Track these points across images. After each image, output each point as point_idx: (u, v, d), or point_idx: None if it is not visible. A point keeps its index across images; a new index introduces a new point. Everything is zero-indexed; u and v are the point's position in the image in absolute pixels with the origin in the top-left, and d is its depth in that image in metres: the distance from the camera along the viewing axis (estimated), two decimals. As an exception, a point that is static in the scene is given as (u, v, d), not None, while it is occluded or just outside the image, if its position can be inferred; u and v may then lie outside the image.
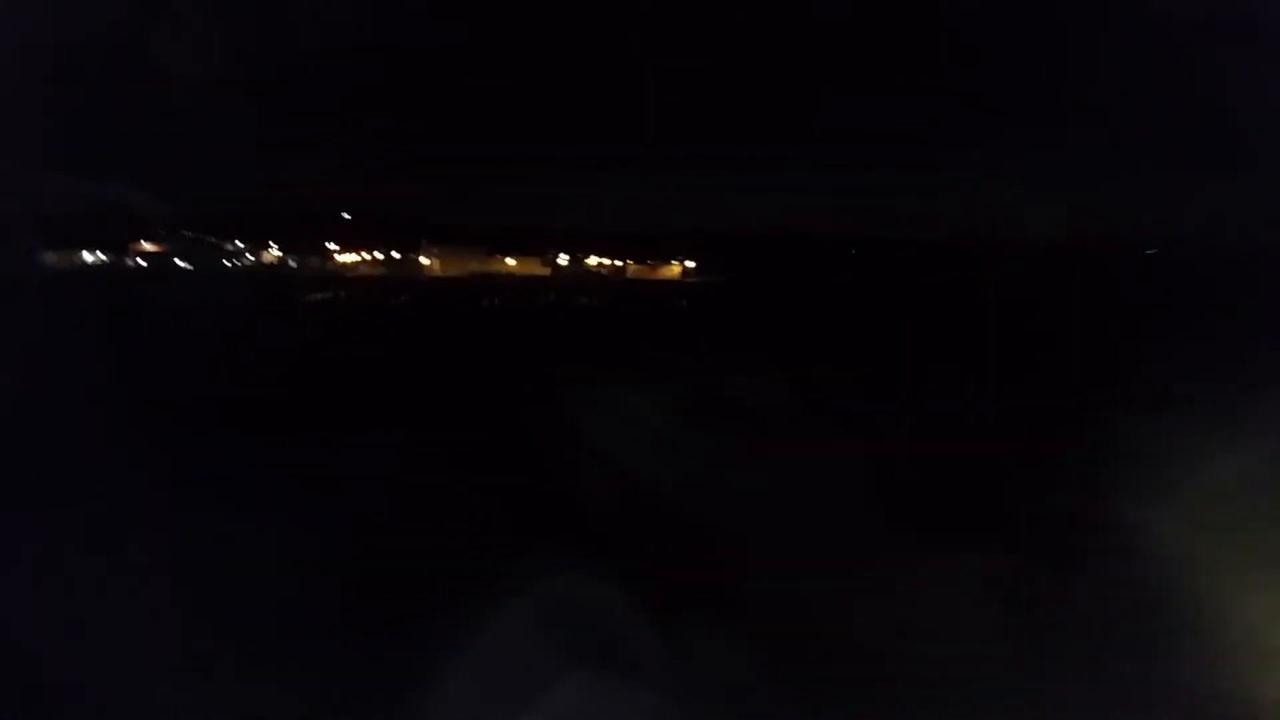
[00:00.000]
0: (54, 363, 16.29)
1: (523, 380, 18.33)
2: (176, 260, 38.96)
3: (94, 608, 7.56)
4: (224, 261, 40.35)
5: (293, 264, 42.28)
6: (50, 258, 36.60)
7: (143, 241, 39.75)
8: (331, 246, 42.23)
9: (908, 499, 10.38)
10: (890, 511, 9.87)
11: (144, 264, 38.87)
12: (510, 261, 45.11)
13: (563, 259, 46.48)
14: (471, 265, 44.10)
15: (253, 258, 42.13)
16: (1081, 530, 9.37)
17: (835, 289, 42.69)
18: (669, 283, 47.61)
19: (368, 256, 43.14)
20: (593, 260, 47.12)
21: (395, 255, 43.27)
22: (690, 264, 47.62)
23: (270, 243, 41.91)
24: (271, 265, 41.99)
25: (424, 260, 43.77)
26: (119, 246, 39.24)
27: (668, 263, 48.18)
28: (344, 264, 42.89)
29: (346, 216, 41.68)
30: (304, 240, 42.39)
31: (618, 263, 47.20)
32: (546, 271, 46.13)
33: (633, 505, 10.12)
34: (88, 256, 38.07)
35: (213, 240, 40.11)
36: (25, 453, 11.10)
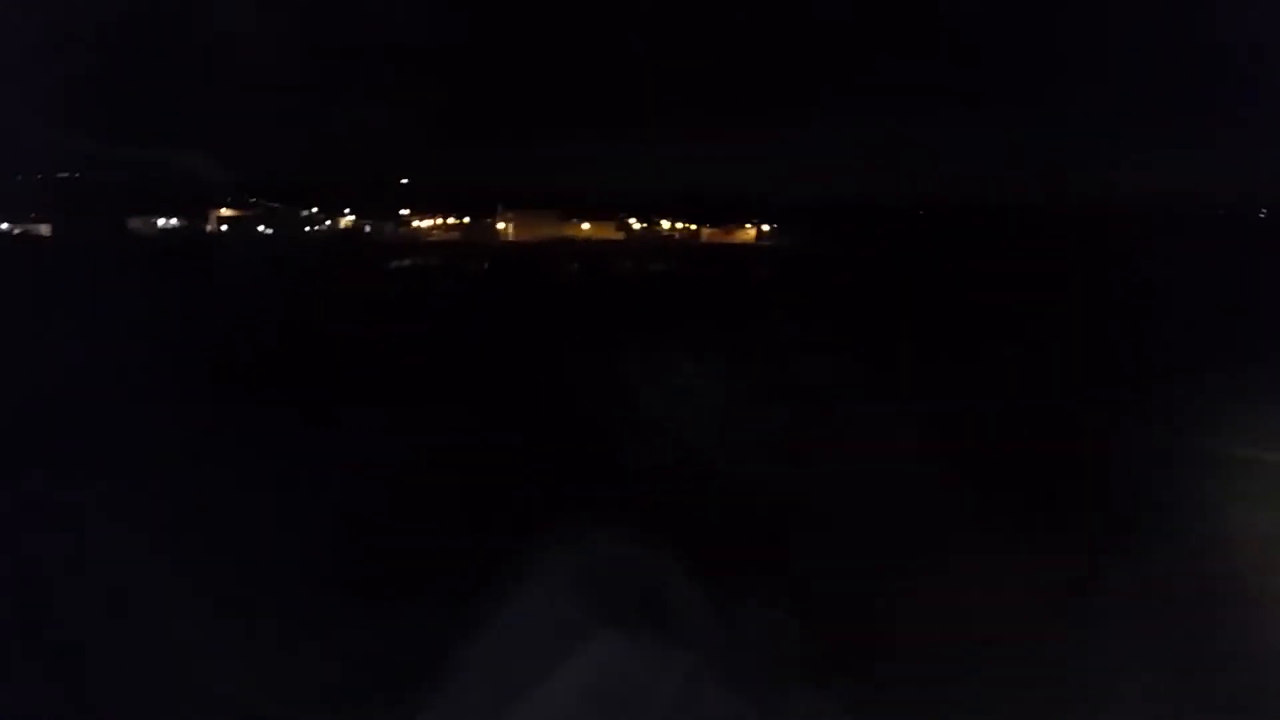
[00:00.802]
0: (140, 321, 16.76)
1: (596, 344, 17.97)
2: (259, 227, 39.31)
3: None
4: (303, 228, 40.61)
5: (369, 229, 42.40)
6: (135, 224, 37.06)
7: (222, 208, 40.08)
8: (408, 212, 42.29)
9: (972, 469, 10.13)
10: (957, 479, 9.59)
11: (226, 229, 39.19)
12: (585, 226, 45.09)
13: (636, 223, 46.10)
14: (546, 230, 43.74)
15: (329, 223, 42.35)
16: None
17: (907, 254, 41.82)
18: (743, 247, 46.89)
19: (444, 222, 43.49)
20: (666, 224, 46.58)
21: (471, 220, 43.69)
22: (765, 228, 46.90)
23: (347, 209, 42.10)
24: (348, 231, 42.25)
25: (499, 225, 43.93)
26: (198, 213, 39.61)
27: (742, 227, 47.45)
28: (421, 229, 42.95)
29: (404, 182, 41.52)
30: (381, 206, 42.39)
31: (691, 226, 46.60)
32: (620, 235, 45.65)
33: (702, 469, 9.98)
34: (167, 222, 38.43)
35: (289, 207, 40.27)
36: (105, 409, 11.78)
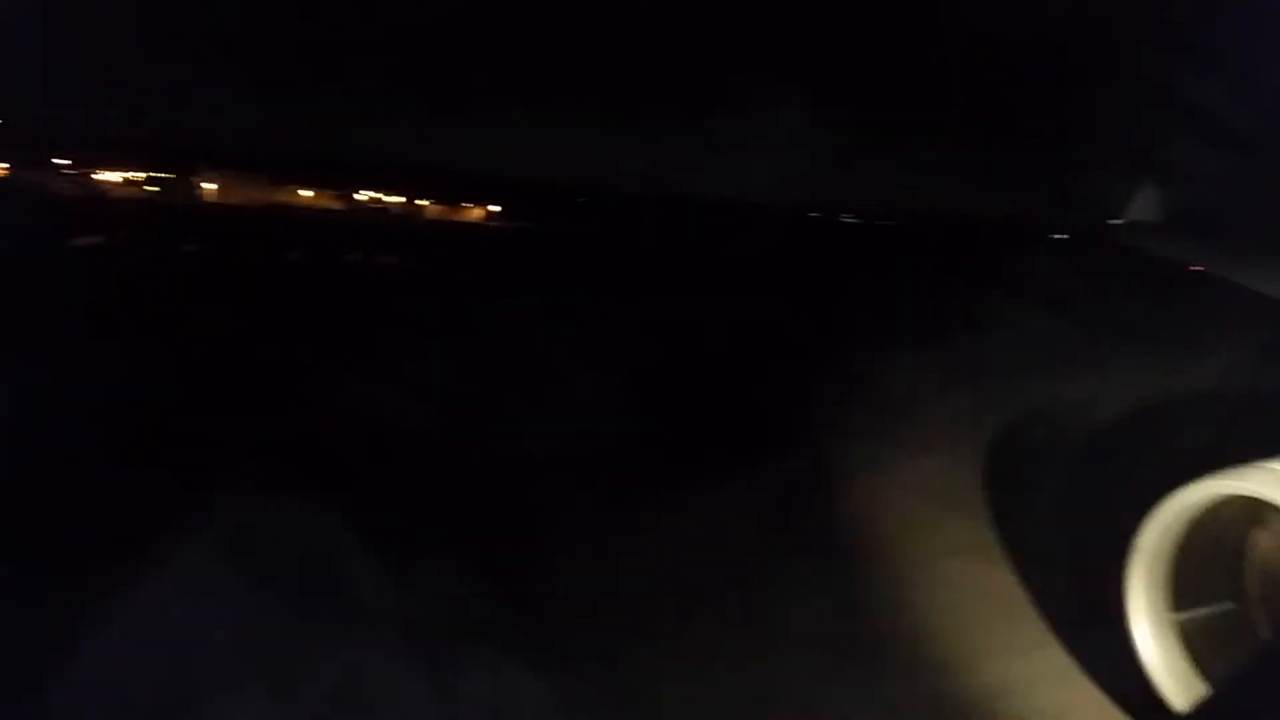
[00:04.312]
0: None
1: (291, 320, 16.55)
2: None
3: None
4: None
5: (32, 180, 35.70)
6: None
7: None
8: (71, 162, 35.83)
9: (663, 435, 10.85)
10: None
11: None
12: (304, 193, 40.77)
13: (360, 194, 42.79)
14: (255, 194, 39.33)
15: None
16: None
17: (636, 244, 42.85)
18: (471, 225, 45.34)
19: (131, 178, 37.34)
20: (392, 197, 43.79)
21: (166, 179, 37.84)
22: (495, 209, 45.51)
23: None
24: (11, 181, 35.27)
25: (204, 186, 38.48)
26: None
27: (471, 206, 45.75)
28: (101, 183, 36.65)
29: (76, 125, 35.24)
30: (34, 152, 35.72)
31: (419, 201, 44.13)
32: (340, 205, 42.28)
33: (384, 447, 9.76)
34: None
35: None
36: None
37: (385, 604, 6.01)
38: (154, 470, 8.14)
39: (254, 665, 5.28)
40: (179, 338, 13.75)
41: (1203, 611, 4.74)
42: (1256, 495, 4.16)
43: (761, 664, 5.79)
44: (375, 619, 5.81)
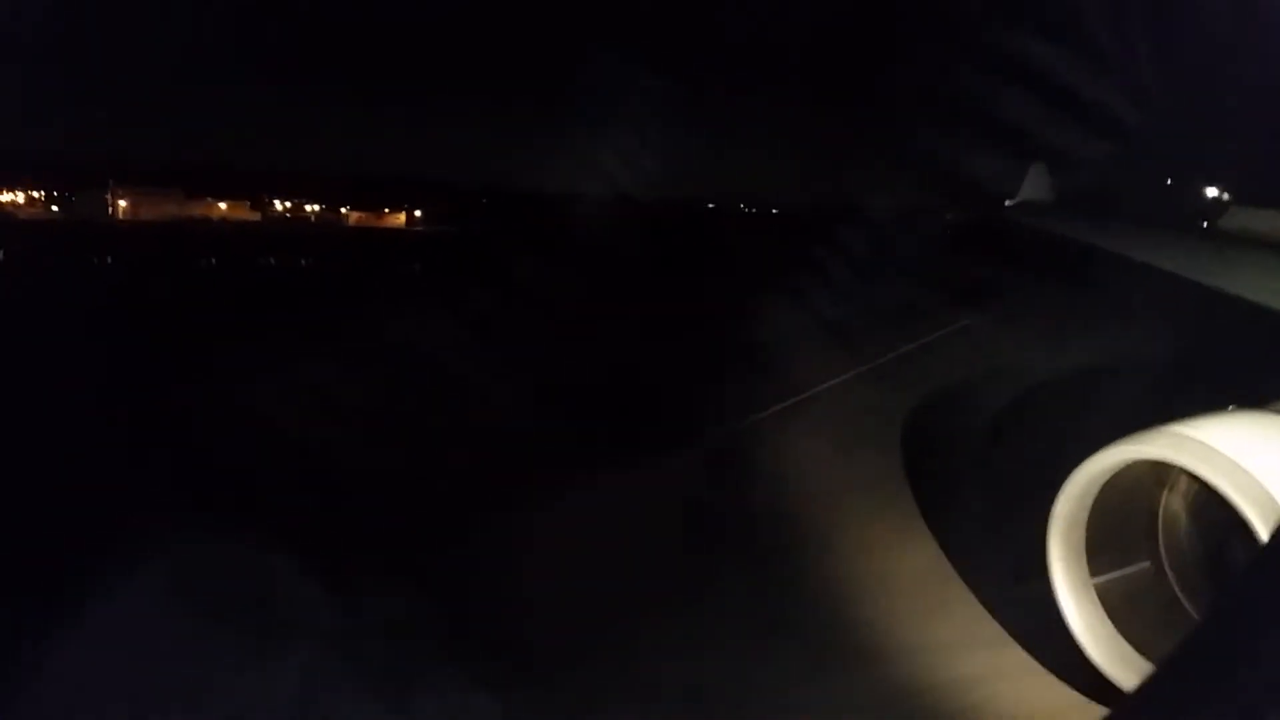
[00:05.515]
0: None
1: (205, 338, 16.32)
2: None
3: None
4: None
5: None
6: None
7: None
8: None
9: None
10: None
11: None
12: (221, 206, 39.70)
13: (277, 204, 41.77)
14: (169, 209, 38.10)
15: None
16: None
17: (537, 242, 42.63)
18: (393, 231, 44.66)
19: (37, 195, 35.83)
20: (310, 206, 42.81)
21: (76, 196, 36.36)
22: (417, 213, 44.92)
23: None
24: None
25: (118, 203, 37.08)
26: None
27: (392, 211, 45.06)
28: (6, 204, 35.06)
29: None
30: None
31: (342, 209, 43.28)
32: (256, 216, 41.17)
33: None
34: None
35: None
36: None
37: (316, 620, 5.88)
38: (70, 488, 7.88)
39: (188, 687, 5.15)
40: (92, 352, 13.25)
41: (1120, 573, 4.91)
42: (1162, 459, 4.31)
43: (702, 664, 5.81)
44: (307, 636, 5.68)
